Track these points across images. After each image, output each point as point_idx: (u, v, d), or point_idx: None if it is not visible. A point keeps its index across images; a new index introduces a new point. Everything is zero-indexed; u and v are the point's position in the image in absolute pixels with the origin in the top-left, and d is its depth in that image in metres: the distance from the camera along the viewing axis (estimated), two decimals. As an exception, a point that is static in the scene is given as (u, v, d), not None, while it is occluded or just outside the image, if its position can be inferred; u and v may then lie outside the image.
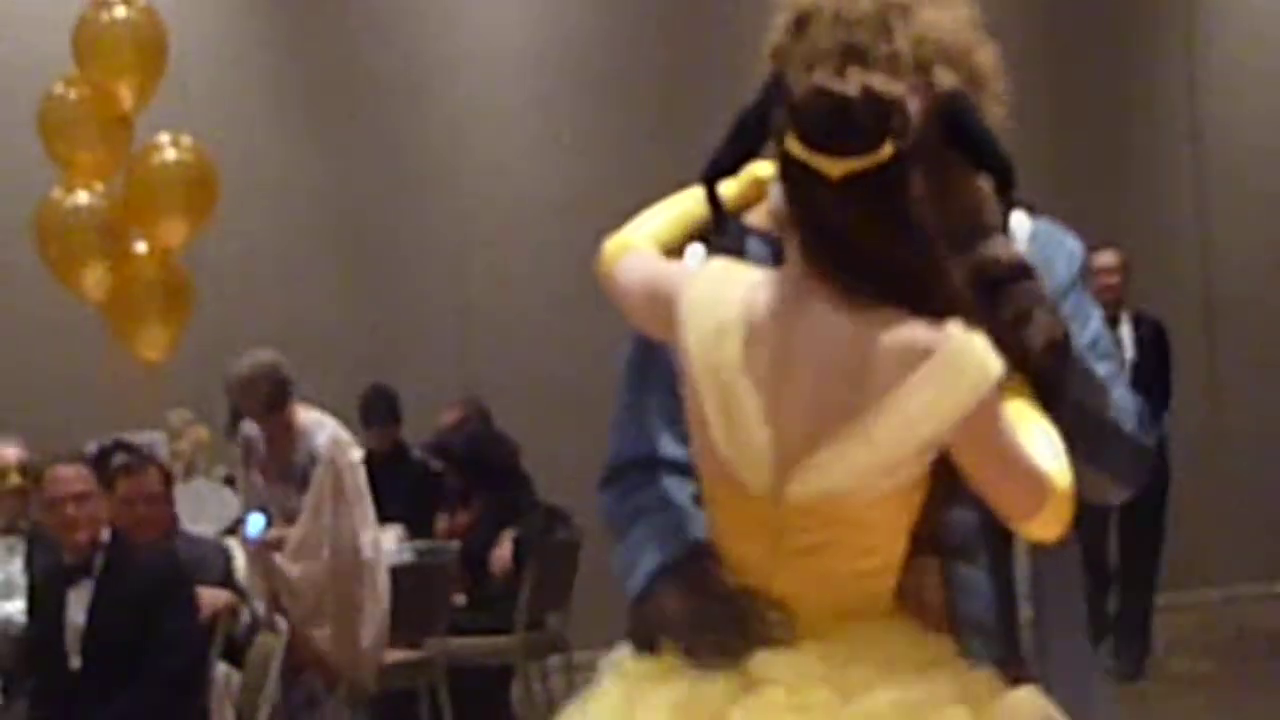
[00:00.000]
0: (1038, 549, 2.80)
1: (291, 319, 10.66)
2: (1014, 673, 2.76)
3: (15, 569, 7.63)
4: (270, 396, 8.01)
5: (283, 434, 8.06)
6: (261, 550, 7.91)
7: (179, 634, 6.48)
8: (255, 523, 7.99)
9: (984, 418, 2.61)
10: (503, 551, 8.83)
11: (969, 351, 2.59)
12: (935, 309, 2.62)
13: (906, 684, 2.66)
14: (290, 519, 7.94)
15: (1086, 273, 2.87)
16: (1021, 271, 2.71)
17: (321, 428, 8.04)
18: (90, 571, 6.53)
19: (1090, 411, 2.74)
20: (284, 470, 8.06)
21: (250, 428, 8.20)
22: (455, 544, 8.70)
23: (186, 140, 9.39)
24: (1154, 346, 10.11)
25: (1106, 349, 2.82)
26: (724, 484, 2.74)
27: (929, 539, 2.76)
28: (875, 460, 2.63)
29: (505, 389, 10.57)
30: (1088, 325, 2.82)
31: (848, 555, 2.71)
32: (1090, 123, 11.70)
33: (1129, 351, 9.99)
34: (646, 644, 2.80)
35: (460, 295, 11.18)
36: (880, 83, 2.65)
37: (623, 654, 2.84)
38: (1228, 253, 12.41)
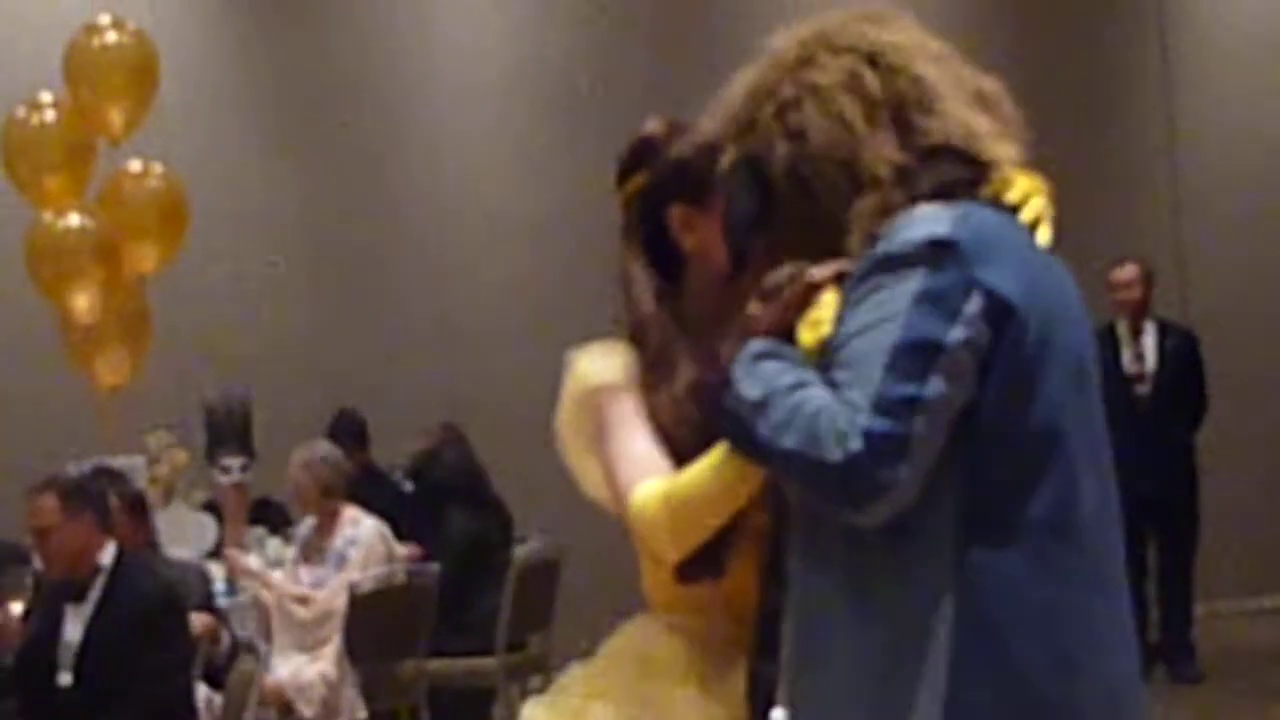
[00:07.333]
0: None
1: (269, 341, 10.65)
2: None
3: None
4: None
5: (329, 520, 8.45)
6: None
7: (172, 659, 6.46)
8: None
9: (583, 421, 2.86)
10: None
11: (573, 362, 2.91)
12: (633, 325, 2.91)
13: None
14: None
15: (887, 268, 2.51)
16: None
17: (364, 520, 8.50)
18: (91, 590, 6.47)
19: (746, 431, 2.55)
20: (322, 555, 8.44)
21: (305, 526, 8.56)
22: (435, 566, 8.68)
23: (158, 168, 9.35)
24: (1178, 357, 10.14)
25: (846, 359, 2.50)
26: None
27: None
28: (572, 465, 2.94)
29: (484, 407, 10.56)
30: (840, 327, 2.54)
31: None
32: (1064, 141, 11.70)
33: (1150, 362, 10.03)
34: None
35: (438, 315, 11.17)
36: (653, 124, 3.05)
37: None
38: (1205, 272, 12.42)
